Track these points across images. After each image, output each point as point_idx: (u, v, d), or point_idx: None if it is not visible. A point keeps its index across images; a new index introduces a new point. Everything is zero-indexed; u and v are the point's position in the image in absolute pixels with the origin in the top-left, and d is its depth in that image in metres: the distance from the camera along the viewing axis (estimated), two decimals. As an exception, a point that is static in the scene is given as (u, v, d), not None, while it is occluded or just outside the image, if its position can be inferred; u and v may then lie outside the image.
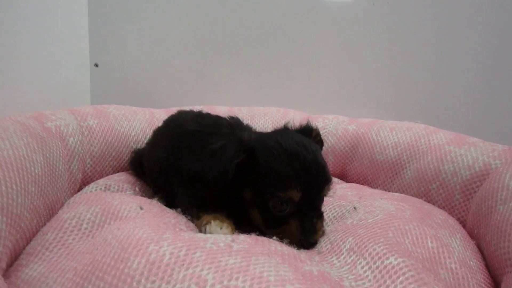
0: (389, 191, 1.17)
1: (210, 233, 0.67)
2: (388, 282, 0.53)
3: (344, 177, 1.42)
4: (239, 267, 0.48)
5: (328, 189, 0.75)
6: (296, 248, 0.66)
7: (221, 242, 0.55)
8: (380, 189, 1.22)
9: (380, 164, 1.24)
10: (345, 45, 1.83)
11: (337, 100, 1.86)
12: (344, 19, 1.80)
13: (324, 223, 0.76)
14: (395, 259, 0.57)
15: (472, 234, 0.85)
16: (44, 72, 1.54)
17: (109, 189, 1.06)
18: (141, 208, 0.73)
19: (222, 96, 1.90)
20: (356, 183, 1.33)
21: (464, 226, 0.91)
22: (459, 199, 0.96)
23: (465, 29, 1.74)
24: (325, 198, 0.99)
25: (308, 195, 0.70)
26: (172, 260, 0.49)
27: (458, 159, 1.01)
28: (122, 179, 1.14)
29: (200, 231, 0.69)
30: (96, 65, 1.95)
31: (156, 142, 1.13)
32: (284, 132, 0.82)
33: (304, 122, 0.88)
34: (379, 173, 1.24)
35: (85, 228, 0.69)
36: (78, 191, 1.08)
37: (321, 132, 1.42)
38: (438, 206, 1.01)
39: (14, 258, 0.67)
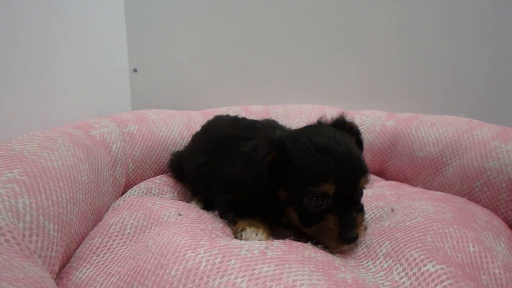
0: (430, 189, 1.14)
1: (246, 239, 0.68)
2: (425, 290, 0.52)
3: (382, 175, 1.39)
4: (273, 275, 0.49)
5: (365, 181, 0.72)
6: (333, 250, 0.66)
7: (255, 249, 0.56)
8: (421, 187, 1.18)
9: (420, 161, 1.21)
10: (381, 38, 1.78)
11: (375, 95, 1.82)
12: (384, 8, 1.75)
13: (362, 218, 0.73)
14: (433, 266, 0.56)
15: (520, 235, 0.81)
16: (85, 79, 1.60)
17: (150, 192, 1.11)
18: (179, 215, 0.75)
19: (257, 95, 1.91)
20: (396, 180, 1.30)
21: (510, 227, 0.87)
22: (505, 197, 0.92)
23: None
24: (363, 199, 1.00)
25: (343, 188, 0.68)
26: (208, 268, 0.51)
27: (504, 156, 0.96)
28: (163, 182, 1.19)
29: (236, 237, 0.71)
30: (135, 70, 2.00)
31: (194, 147, 1.16)
32: (315, 127, 0.81)
33: (337, 116, 0.86)
34: (419, 170, 1.21)
35: (128, 233, 0.73)
36: (122, 194, 1.14)
37: (359, 129, 1.44)
38: (482, 205, 0.97)
39: (66, 261, 0.72)
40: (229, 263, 0.52)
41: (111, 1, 1.84)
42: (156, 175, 1.30)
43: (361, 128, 1.40)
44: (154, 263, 0.55)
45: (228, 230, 0.75)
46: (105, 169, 1.00)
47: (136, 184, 1.20)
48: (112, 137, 1.13)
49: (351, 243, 0.68)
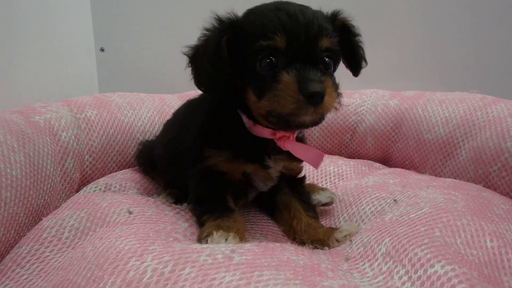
0: (441, 177, 1.08)
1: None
2: (433, 298, 0.46)
3: (386, 161, 1.34)
4: (236, 286, 0.42)
5: (327, 42, 0.69)
6: (318, 254, 0.59)
7: (219, 253, 0.49)
8: (429, 174, 1.13)
9: (428, 145, 1.15)
10: (383, 7, 1.73)
11: (376, 71, 1.73)
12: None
13: (331, 84, 0.69)
14: (442, 266, 0.50)
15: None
16: (45, 59, 1.57)
17: (109, 190, 1.05)
18: (130, 212, 0.68)
19: None
20: (401, 168, 1.24)
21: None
22: (528, 183, 0.86)
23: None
24: (362, 190, 0.95)
25: (296, 42, 0.67)
26: (153, 279, 0.44)
27: (525, 134, 0.90)
28: (126, 177, 1.12)
29: (200, 243, 0.63)
30: (102, 50, 1.95)
31: (165, 129, 1.12)
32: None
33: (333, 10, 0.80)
34: (428, 155, 1.15)
35: (67, 238, 0.66)
36: (77, 191, 1.06)
37: (359, 110, 1.39)
38: (501, 193, 0.93)
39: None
40: (182, 272, 0.45)
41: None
42: (120, 170, 1.23)
43: (362, 110, 1.36)
44: (87, 275, 0.48)
45: (192, 231, 0.68)
46: (49, 162, 0.92)
47: (94, 180, 1.13)
48: (62, 124, 1.05)
49: (314, 96, 0.63)
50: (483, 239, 0.60)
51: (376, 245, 0.62)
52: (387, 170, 1.20)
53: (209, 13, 1.76)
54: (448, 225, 0.62)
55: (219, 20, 0.74)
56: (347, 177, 1.13)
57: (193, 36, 1.83)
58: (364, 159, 1.34)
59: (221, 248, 0.50)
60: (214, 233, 0.63)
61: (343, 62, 0.80)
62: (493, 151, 0.96)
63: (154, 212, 0.72)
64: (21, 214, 0.73)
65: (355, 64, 0.80)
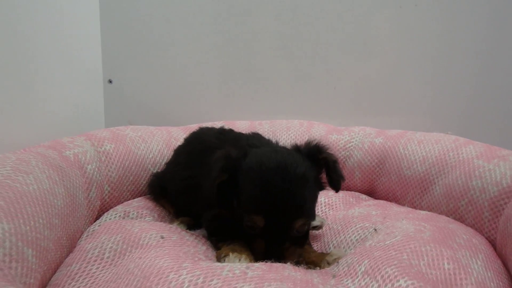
0: (418, 209, 1.25)
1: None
2: (396, 304, 0.62)
3: (372, 194, 1.50)
4: (252, 292, 0.58)
5: (300, 225, 0.83)
6: (311, 272, 0.75)
7: (236, 269, 0.65)
8: (409, 206, 1.29)
9: (408, 180, 1.32)
10: (371, 54, 1.91)
11: (365, 110, 1.94)
12: (369, 26, 1.89)
13: (292, 250, 0.85)
14: (405, 281, 0.66)
15: (501, 254, 0.92)
16: (54, 91, 1.64)
17: (128, 216, 1.19)
18: (162, 237, 0.85)
19: (242, 110, 2.01)
20: (385, 199, 1.41)
21: (494, 245, 0.98)
22: (488, 216, 1.03)
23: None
24: (348, 220, 1.11)
25: (274, 225, 0.81)
26: (190, 287, 0.60)
27: (486, 175, 1.08)
28: (141, 205, 1.26)
29: (219, 262, 0.81)
30: (110, 82, 2.07)
31: (178, 160, 1.26)
32: (277, 153, 0.89)
33: (316, 143, 0.94)
34: (408, 189, 1.32)
35: (108, 257, 0.82)
36: (97, 218, 1.21)
37: (348, 146, 1.56)
38: (468, 224, 1.08)
39: (42, 289, 0.80)
40: (211, 282, 0.61)
41: (85, 4, 1.90)
42: (134, 198, 1.37)
43: (350, 146, 1.54)
44: (137, 285, 0.64)
45: (210, 254, 0.84)
46: (80, 192, 1.08)
47: (111, 207, 1.27)
48: (87, 158, 1.21)
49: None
50: (441, 262, 0.76)
51: (357, 265, 0.77)
52: (371, 202, 1.36)
53: (217, 49, 1.92)
54: (414, 250, 0.78)
55: (226, 158, 0.86)
56: (336, 208, 1.29)
57: (198, 71, 2.02)
58: (352, 190, 1.50)
59: (237, 266, 0.67)
60: (230, 254, 0.80)
61: (326, 178, 0.94)
62: (461, 188, 1.13)
63: (178, 237, 0.88)
64: (64, 238, 0.89)
65: (334, 185, 0.94)
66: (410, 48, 1.88)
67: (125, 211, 1.21)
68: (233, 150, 0.90)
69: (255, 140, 1.09)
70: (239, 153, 0.88)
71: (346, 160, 1.54)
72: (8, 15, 1.34)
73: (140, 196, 1.40)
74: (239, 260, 0.79)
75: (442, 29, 1.85)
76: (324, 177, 0.94)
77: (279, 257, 0.80)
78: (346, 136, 1.58)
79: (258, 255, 0.81)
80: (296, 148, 0.94)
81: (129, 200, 1.35)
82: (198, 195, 0.98)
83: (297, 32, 1.94)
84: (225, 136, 1.15)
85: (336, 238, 1.06)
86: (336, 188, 0.93)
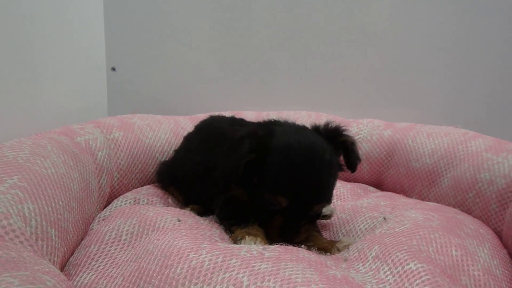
0: (426, 201, 1.30)
1: None
2: (406, 284, 0.67)
3: (379, 186, 1.56)
4: (271, 271, 0.64)
5: (319, 208, 0.92)
6: (324, 256, 0.81)
7: (253, 250, 0.71)
8: (416, 198, 1.35)
9: (416, 172, 1.38)
10: (380, 44, 1.94)
11: (374, 103, 1.98)
12: (378, 15, 1.92)
13: (306, 229, 0.93)
14: (415, 264, 0.71)
15: (507, 245, 0.98)
16: (57, 78, 1.66)
17: (138, 203, 1.23)
18: (179, 220, 0.90)
19: (249, 101, 2.04)
20: (392, 191, 1.46)
21: (500, 237, 1.04)
22: (495, 208, 1.09)
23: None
24: (357, 210, 1.16)
25: (296, 206, 0.87)
26: (211, 266, 0.66)
27: (495, 167, 1.13)
28: (151, 192, 1.31)
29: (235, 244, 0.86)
30: (114, 69, 2.09)
31: (188, 147, 1.31)
32: (305, 136, 0.93)
33: (336, 125, 0.99)
34: (416, 181, 1.38)
35: (125, 239, 0.87)
36: (106, 205, 1.26)
37: (356, 138, 1.58)
38: (475, 216, 1.14)
39: (61, 269, 0.85)
40: (230, 261, 0.66)
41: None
42: (142, 186, 1.42)
43: (358, 138, 1.58)
44: (159, 263, 0.69)
45: (225, 237, 0.90)
46: (93, 178, 1.13)
47: (120, 194, 1.32)
48: (98, 144, 1.25)
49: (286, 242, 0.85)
50: (449, 249, 0.82)
51: (368, 250, 0.82)
52: (379, 193, 1.41)
53: (224, 38, 1.93)
54: (423, 237, 0.84)
55: (253, 137, 0.90)
56: (344, 198, 1.34)
57: (205, 60, 2.05)
58: (360, 183, 1.56)
59: (254, 247, 0.72)
60: (246, 237, 0.86)
61: (343, 160, 1.00)
62: (470, 180, 1.19)
63: (193, 221, 0.93)
64: (80, 221, 0.94)
65: (351, 166, 0.99)
66: (421, 39, 1.91)
67: (135, 198, 1.25)
68: (259, 128, 0.94)
69: (275, 122, 1.12)
70: (265, 131, 0.92)
71: None
72: (10, 2, 1.36)
73: (148, 184, 1.44)
74: (254, 243, 0.84)
75: (454, 19, 1.88)
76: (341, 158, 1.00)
77: (295, 232, 0.89)
78: (355, 128, 1.63)
79: (274, 230, 0.89)
80: (316, 129, 0.99)
81: (137, 188, 1.39)
82: (210, 180, 1.03)
83: (305, 22, 1.96)
84: (237, 122, 1.21)
85: (345, 227, 1.11)
86: (353, 169, 0.99)
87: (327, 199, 0.92)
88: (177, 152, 1.40)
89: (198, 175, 1.14)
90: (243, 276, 0.62)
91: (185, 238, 0.77)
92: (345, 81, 1.99)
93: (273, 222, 0.90)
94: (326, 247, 0.94)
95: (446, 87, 1.93)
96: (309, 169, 0.86)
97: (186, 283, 0.64)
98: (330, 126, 0.99)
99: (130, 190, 1.36)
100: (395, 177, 1.47)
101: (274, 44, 2.01)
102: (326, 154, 0.89)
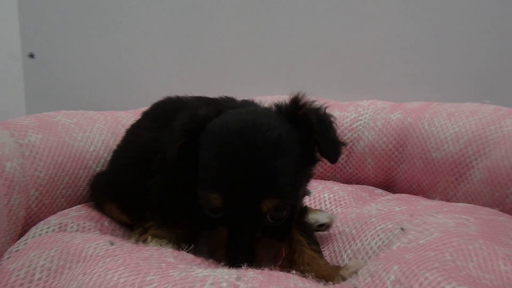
0: (453, 201, 1.25)
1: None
2: (445, 317, 0.60)
3: (390, 187, 1.50)
4: (247, 310, 0.55)
5: (271, 205, 0.82)
6: (323, 283, 0.72)
7: (223, 281, 0.62)
8: (440, 199, 1.30)
9: (437, 165, 1.32)
10: (382, 5, 1.90)
11: (374, 79, 1.94)
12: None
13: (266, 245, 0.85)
14: None
15: None
16: None
17: (65, 230, 1.14)
18: (112, 244, 0.81)
19: (215, 84, 1.94)
20: (407, 193, 1.40)
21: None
22: (546, 205, 1.03)
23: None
24: (365, 220, 1.09)
25: (238, 206, 0.81)
26: (161, 309, 0.56)
27: (541, 150, 1.08)
28: (82, 214, 1.22)
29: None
30: (32, 56, 2.04)
31: (138, 129, 1.28)
32: (248, 112, 0.91)
33: (293, 97, 0.93)
34: (437, 177, 1.32)
35: (39, 279, 0.77)
36: (22, 234, 1.15)
37: (355, 126, 1.55)
38: (520, 217, 1.08)
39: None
40: (188, 301, 0.57)
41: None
42: (70, 206, 1.32)
43: (358, 125, 1.53)
44: None
45: (186, 255, 0.81)
46: (-2, 199, 1.02)
47: (40, 219, 1.22)
48: (5, 152, 1.15)
49: (236, 266, 0.77)
50: (496, 263, 0.74)
51: (384, 273, 0.75)
52: (391, 196, 1.35)
53: (176, 6, 1.87)
54: (459, 249, 0.76)
55: (191, 117, 0.89)
56: (345, 204, 1.29)
57: (150, 43, 1.97)
58: (364, 184, 1.51)
59: (225, 276, 0.63)
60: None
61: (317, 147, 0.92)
62: (509, 170, 1.13)
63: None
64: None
65: (323, 152, 0.91)
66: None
67: (61, 223, 1.16)
68: (204, 108, 0.90)
69: (244, 103, 1.10)
70: (210, 112, 0.90)
71: (354, 144, 1.55)
72: None
73: (79, 204, 1.36)
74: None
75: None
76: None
77: (246, 251, 0.81)
78: (352, 113, 1.58)
79: (217, 250, 0.84)
80: (278, 108, 0.94)
81: (65, 209, 1.30)
82: (155, 165, 1.00)
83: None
84: (207, 99, 1.19)
85: (350, 245, 1.05)
86: (330, 157, 0.91)
87: (279, 191, 0.82)
88: (119, 147, 1.35)
89: (142, 157, 1.10)
90: (208, 322, 0.53)
91: (122, 268, 0.67)
92: (336, 53, 1.94)
93: (217, 238, 0.85)
94: (327, 275, 0.88)
95: (467, 56, 1.89)
96: (243, 151, 0.81)
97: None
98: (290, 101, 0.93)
99: (55, 213, 1.26)
100: (410, 174, 1.41)
101: (243, 14, 1.96)
102: (271, 132, 0.83)
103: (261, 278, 0.64)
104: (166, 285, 0.61)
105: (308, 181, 1.00)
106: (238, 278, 0.63)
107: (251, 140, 0.81)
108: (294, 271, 0.74)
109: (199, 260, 0.81)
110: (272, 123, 0.85)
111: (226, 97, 1.19)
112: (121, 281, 0.63)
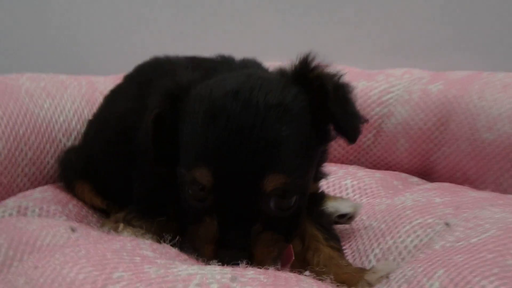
0: (509, 193, 1.19)
1: None
2: None
3: (427, 174, 1.46)
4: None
5: (270, 189, 0.76)
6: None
7: (213, 282, 0.55)
8: (492, 190, 1.24)
9: (488, 148, 1.27)
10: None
11: (409, 43, 1.89)
12: None
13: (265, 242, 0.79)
14: (519, 299, 0.58)
15: None
16: None
17: (25, 214, 1.10)
18: (73, 230, 0.76)
19: (210, 46, 1.93)
20: (449, 182, 1.35)
21: None
22: None
23: None
24: (398, 213, 1.05)
25: (231, 187, 0.75)
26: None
27: None
28: (47, 197, 1.18)
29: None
30: None
31: (116, 96, 1.26)
32: (243, 75, 0.87)
33: (303, 57, 0.88)
34: (489, 163, 1.27)
35: (-21, 274, 0.73)
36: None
37: (385, 99, 1.50)
38: None
39: None
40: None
41: None
42: (34, 186, 1.30)
43: (390, 98, 1.49)
44: None
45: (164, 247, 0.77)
46: None
47: (-2, 201, 1.20)
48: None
49: (228, 265, 0.71)
50: None
51: (425, 279, 0.68)
52: (429, 185, 1.30)
53: None
54: (524, 250, 0.70)
55: (174, 84, 0.87)
56: (372, 193, 1.24)
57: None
58: (394, 170, 1.46)
59: (217, 275, 0.57)
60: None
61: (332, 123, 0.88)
62: None
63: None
64: None
65: (339, 126, 0.87)
66: None
67: (20, 206, 1.13)
68: (190, 73, 0.89)
69: (244, 63, 1.06)
70: (197, 77, 0.87)
71: (383, 121, 1.49)
72: None
73: (46, 184, 1.33)
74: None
75: None
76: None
77: (242, 248, 0.75)
78: (382, 83, 1.53)
79: (204, 247, 0.79)
80: (282, 72, 0.90)
81: (27, 190, 1.27)
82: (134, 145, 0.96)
83: None
84: (201, 59, 1.15)
85: (379, 243, 0.99)
86: (347, 134, 0.87)
87: (286, 165, 0.77)
88: (94, 117, 1.32)
89: (122, 132, 1.07)
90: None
91: (84, 260, 0.62)
92: (364, 12, 1.89)
93: (204, 232, 0.79)
94: (349, 279, 0.82)
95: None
96: (242, 116, 0.76)
97: None
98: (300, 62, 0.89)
99: (15, 194, 1.23)
100: (453, 159, 1.36)
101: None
102: (275, 94, 0.79)
103: (263, 279, 0.58)
104: (138, 284, 0.54)
105: (321, 163, 0.96)
106: (233, 279, 0.56)
107: (248, 101, 0.77)
108: (307, 273, 0.68)
109: (185, 256, 0.76)
110: (275, 84, 0.81)
111: (223, 56, 1.13)
112: (80, 278, 0.57)
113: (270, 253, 0.78)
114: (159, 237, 0.83)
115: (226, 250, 0.75)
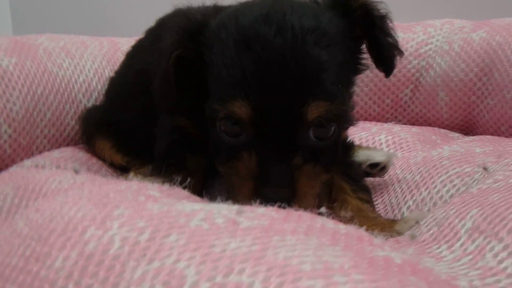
0: None
1: None
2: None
3: (470, 130, 1.44)
4: (247, 252, 0.45)
5: (314, 117, 0.75)
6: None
7: (218, 216, 0.53)
8: (537, 142, 1.22)
9: (536, 98, 1.24)
10: None
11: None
12: None
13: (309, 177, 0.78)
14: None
15: None
16: None
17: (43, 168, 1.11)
18: (76, 172, 0.78)
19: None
20: (492, 135, 1.33)
21: None
22: None
23: None
24: (434, 164, 1.04)
25: (271, 117, 0.74)
26: (125, 250, 0.48)
27: None
28: (65, 156, 1.20)
29: None
30: None
31: (138, 50, 1.27)
32: (269, 1, 0.84)
33: None
34: (537, 113, 1.25)
35: (-15, 220, 0.73)
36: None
37: (423, 51, 1.48)
38: None
39: None
40: (165, 240, 0.49)
41: None
42: (54, 148, 1.31)
43: (428, 49, 1.47)
44: (25, 254, 0.53)
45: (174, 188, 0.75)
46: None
47: (16, 162, 1.20)
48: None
49: (269, 203, 0.68)
50: None
51: (457, 220, 0.68)
52: (471, 137, 1.29)
53: None
54: None
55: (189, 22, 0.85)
56: (408, 147, 1.23)
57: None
58: (433, 126, 1.44)
59: (222, 211, 0.55)
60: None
61: (369, 53, 0.88)
62: None
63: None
64: None
65: (384, 59, 0.87)
66: None
67: (36, 165, 1.14)
68: (203, 9, 0.90)
69: None
70: (210, 11, 0.87)
71: (422, 74, 1.47)
72: None
73: (67, 145, 1.35)
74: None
75: None
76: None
77: (285, 183, 0.75)
78: (420, 34, 1.51)
79: (244, 184, 0.78)
80: (315, 1, 0.87)
81: (45, 151, 1.29)
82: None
83: None
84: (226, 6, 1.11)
85: (413, 195, 0.99)
86: (388, 64, 0.88)
87: (329, 90, 0.76)
88: (116, 73, 1.33)
89: (140, 89, 1.05)
90: (188, 266, 0.45)
91: (85, 200, 0.61)
92: None
93: (241, 169, 0.78)
94: (379, 229, 0.81)
95: None
96: (278, 39, 0.74)
97: (70, 286, 0.47)
98: None
99: (34, 155, 1.25)
100: (497, 111, 1.33)
101: None
102: (308, 19, 0.77)
103: (274, 215, 0.56)
104: (138, 219, 0.53)
105: (350, 97, 0.92)
106: (239, 212, 0.54)
107: (283, 25, 0.75)
108: (323, 209, 0.69)
109: (196, 198, 0.73)
110: (306, 8, 0.81)
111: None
112: (79, 216, 0.55)
113: (313, 187, 0.78)
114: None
115: (269, 188, 0.74)
